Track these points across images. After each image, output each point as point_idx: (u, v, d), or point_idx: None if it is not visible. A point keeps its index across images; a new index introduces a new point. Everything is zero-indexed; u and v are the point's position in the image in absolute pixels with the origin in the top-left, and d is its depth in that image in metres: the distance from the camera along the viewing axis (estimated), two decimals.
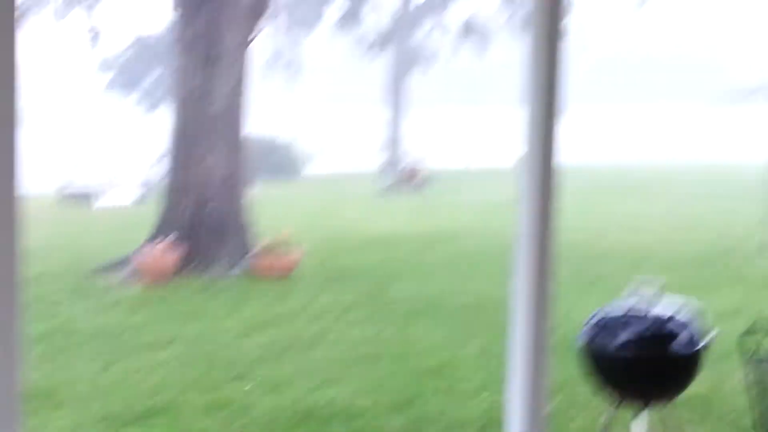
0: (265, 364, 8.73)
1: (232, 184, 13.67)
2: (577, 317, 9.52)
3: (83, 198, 24.99)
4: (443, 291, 12.04)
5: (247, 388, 7.94)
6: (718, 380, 7.75)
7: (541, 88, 3.63)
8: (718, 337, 8.64)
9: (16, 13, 2.50)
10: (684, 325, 6.09)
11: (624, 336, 6.01)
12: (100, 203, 25.12)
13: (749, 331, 4.64)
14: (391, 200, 26.33)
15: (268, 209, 16.77)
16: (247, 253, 13.28)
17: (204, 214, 13.38)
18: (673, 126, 67.55)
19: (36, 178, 19.84)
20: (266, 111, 30.17)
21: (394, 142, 38.24)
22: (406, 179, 30.01)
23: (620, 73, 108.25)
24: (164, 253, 12.78)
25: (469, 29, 40.05)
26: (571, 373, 7.89)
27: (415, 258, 14.90)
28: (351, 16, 38.73)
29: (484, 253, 15.16)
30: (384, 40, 38.76)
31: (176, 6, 13.78)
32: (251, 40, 13.70)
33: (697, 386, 7.04)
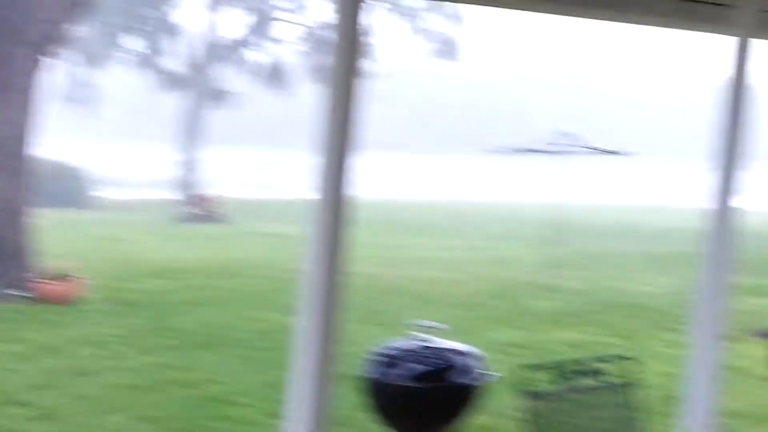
0: (44, 391, 8.41)
1: (13, 209, 13.24)
2: (361, 349, 9.68)
3: None
4: (231, 320, 11.93)
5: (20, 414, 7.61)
6: (501, 410, 7.95)
7: (335, 130, 3.67)
8: (501, 370, 8.91)
9: None
10: (466, 358, 6.25)
11: (408, 368, 6.11)
12: None
13: (528, 366, 4.78)
14: (182, 230, 25.94)
15: (55, 235, 16.24)
16: (27, 277, 12.81)
17: None
18: (470, 171, 69.63)
19: None
20: (58, 140, 29.38)
21: (188, 173, 37.84)
22: (200, 210, 29.63)
23: (434, 121, 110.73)
24: None
25: (270, 72, 40.35)
26: (355, 404, 7.97)
27: (204, 287, 14.71)
28: (151, 52, 38.36)
29: (274, 284, 15.14)
30: (183, 77, 38.51)
31: None
32: (42, 69, 13.37)
33: (481, 417, 7.25)
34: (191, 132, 38.25)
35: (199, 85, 38.17)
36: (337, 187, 3.74)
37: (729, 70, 4.75)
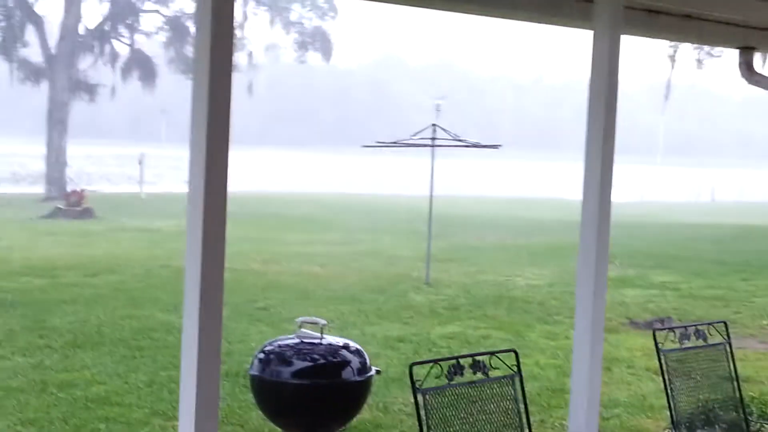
0: None
1: None
2: (248, 346, 9.59)
3: None
4: (107, 318, 11.67)
5: None
6: (386, 404, 7.96)
7: (207, 124, 3.60)
8: (384, 364, 8.92)
9: None
10: (353, 354, 6.24)
11: (295, 365, 6.07)
12: None
13: (413, 360, 4.79)
14: (52, 226, 25.31)
15: None
16: None
17: None
18: (346, 164, 69.67)
19: None
20: None
21: (55, 168, 36.94)
22: (69, 205, 28.93)
23: (307, 114, 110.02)
24: None
25: (136, 63, 39.73)
26: (243, 402, 7.89)
27: (78, 285, 14.35)
28: (11, 42, 37.32)
29: (148, 281, 14.91)
30: (46, 68, 37.58)
31: None
32: None
33: (366, 411, 7.25)
34: (56, 125, 37.29)
35: (63, 77, 37.26)
36: (212, 182, 3.66)
37: (597, 64, 4.83)
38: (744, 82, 6.66)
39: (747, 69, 6.55)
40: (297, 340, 6.22)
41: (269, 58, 51.54)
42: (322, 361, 6.15)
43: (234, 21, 3.76)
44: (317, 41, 43.74)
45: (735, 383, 6.03)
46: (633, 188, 54.71)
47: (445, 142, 16.26)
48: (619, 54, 4.83)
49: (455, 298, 14.20)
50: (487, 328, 11.94)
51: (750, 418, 6.21)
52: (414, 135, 16.17)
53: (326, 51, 44.46)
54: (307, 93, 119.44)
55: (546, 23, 5.76)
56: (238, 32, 38.91)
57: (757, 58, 6.80)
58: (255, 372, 6.16)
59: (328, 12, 43.39)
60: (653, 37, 6.52)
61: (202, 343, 3.71)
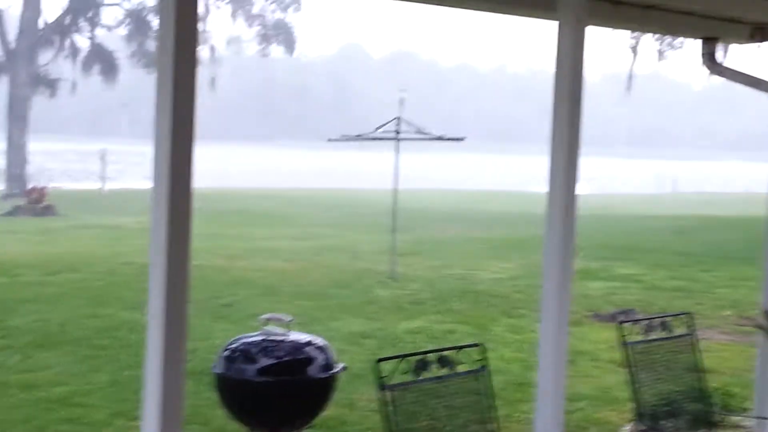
0: None
1: None
2: (213, 343, 9.52)
3: None
4: (69, 318, 11.56)
5: None
6: (352, 401, 7.94)
7: (170, 119, 3.56)
8: (349, 360, 8.89)
9: None
10: (318, 350, 6.20)
11: (260, 363, 6.03)
12: None
13: (378, 356, 4.77)
14: (12, 223, 25.05)
15: None
16: None
17: None
18: (309, 159, 69.50)
19: None
20: None
21: (15, 164, 36.55)
22: (29, 202, 28.63)
23: (270, 108, 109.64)
24: None
25: (97, 57, 39.38)
26: (207, 400, 7.83)
27: (39, 284, 14.21)
28: None
29: (111, 278, 14.80)
30: (5, 63, 37.15)
31: None
32: None
33: (332, 408, 7.22)
34: (16, 121, 36.86)
35: (22, 72, 36.83)
36: (178, 177, 3.61)
37: (561, 56, 4.82)
38: (707, 72, 6.68)
39: (710, 59, 6.57)
40: (261, 337, 6.17)
41: (231, 52, 51.30)
42: (286, 358, 6.10)
43: (198, 13, 3.71)
44: (280, 34, 43.56)
45: (699, 374, 6.06)
46: (595, 180, 55.00)
47: (409, 136, 16.27)
48: (584, 45, 4.82)
49: (420, 292, 14.20)
50: (452, 322, 11.95)
51: (713, 409, 6.25)
52: (378, 128, 16.16)
53: (289, 44, 44.29)
54: (270, 87, 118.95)
55: (510, 14, 5.75)
56: (200, 26, 38.72)
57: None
58: (219, 370, 6.11)
59: (291, 4, 43.22)
60: (617, 28, 6.55)
61: (168, 342, 3.67)
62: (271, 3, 42.95)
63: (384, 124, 16.08)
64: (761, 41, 6.66)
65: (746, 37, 6.62)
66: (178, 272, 3.68)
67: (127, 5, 40.23)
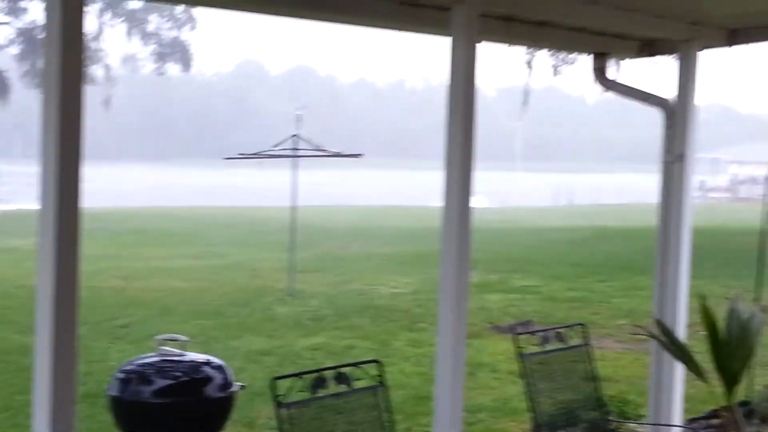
0: None
1: None
2: (109, 365, 9.34)
3: None
4: None
5: None
6: (251, 419, 7.87)
7: (58, 138, 3.49)
8: (248, 378, 8.80)
9: None
10: (215, 370, 6.13)
11: (156, 384, 5.93)
12: None
13: (277, 374, 4.73)
14: None
15: None
16: None
17: None
18: (205, 177, 68.95)
19: None
20: None
21: None
22: None
23: (164, 127, 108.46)
24: None
25: None
26: (103, 423, 7.67)
27: None
28: None
29: (5, 302, 14.45)
30: None
31: None
32: None
33: (230, 428, 7.13)
34: None
35: None
36: (65, 197, 3.54)
37: (455, 72, 4.87)
38: (598, 87, 6.81)
39: (600, 74, 6.71)
40: (157, 358, 6.07)
41: (127, 70, 50.60)
42: (183, 378, 6.02)
43: (84, 29, 3.64)
44: (176, 52, 43.13)
45: (594, 383, 6.15)
46: (493, 194, 55.63)
47: (306, 153, 16.23)
48: (476, 61, 4.87)
49: (320, 308, 14.17)
50: (352, 338, 11.94)
51: (609, 417, 6.34)
52: (275, 146, 16.08)
53: (185, 62, 43.86)
54: (168, 105, 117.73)
55: (404, 31, 5.79)
56: (94, 44, 38.08)
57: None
58: (114, 392, 5.99)
59: (187, 22, 42.82)
60: (510, 44, 6.64)
61: (57, 365, 3.59)
62: (167, 21, 42.52)
63: (281, 142, 16.02)
64: (650, 56, 6.82)
65: (635, 52, 6.78)
66: (67, 294, 3.60)
67: (19, 24, 39.41)
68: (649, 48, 6.74)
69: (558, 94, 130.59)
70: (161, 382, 5.93)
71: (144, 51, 43.76)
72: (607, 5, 5.66)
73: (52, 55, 3.51)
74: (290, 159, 16.22)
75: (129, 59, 47.29)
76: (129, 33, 41.86)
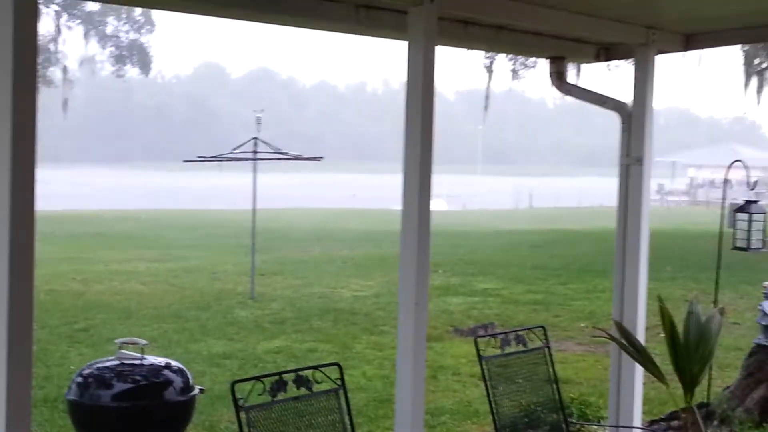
0: None
1: None
2: (68, 369, 9.27)
3: None
4: None
5: None
6: (212, 423, 7.82)
7: (12, 140, 3.44)
8: (209, 382, 8.76)
9: None
10: (175, 373, 6.09)
11: (115, 388, 5.88)
12: None
13: (237, 378, 4.71)
14: None
15: None
16: None
17: None
18: (167, 180, 68.55)
19: None
20: None
21: None
22: None
23: (122, 129, 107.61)
24: None
25: None
26: (63, 427, 7.60)
27: None
28: None
29: None
30: None
31: None
32: None
33: (192, 430, 7.10)
34: None
35: None
36: (19, 201, 3.49)
37: (412, 76, 4.87)
38: (556, 91, 6.84)
39: (558, 78, 6.73)
40: (116, 362, 6.02)
41: (85, 73, 50.21)
42: (143, 382, 5.97)
43: (37, 29, 3.59)
44: (135, 55, 42.85)
45: (555, 385, 6.17)
46: (455, 197, 55.78)
47: (267, 156, 16.18)
48: (435, 65, 4.86)
49: (281, 312, 14.12)
50: (313, 341, 11.91)
51: (570, 419, 6.37)
52: (235, 149, 16.02)
53: (144, 64, 43.58)
54: (126, 108, 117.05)
55: (362, 34, 5.77)
56: (51, 46, 37.70)
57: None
58: (73, 397, 5.93)
59: (145, 25, 42.58)
60: (468, 48, 6.66)
61: (11, 369, 3.53)
62: (125, 23, 42.24)
63: (241, 145, 15.96)
64: (606, 60, 6.87)
65: (592, 57, 6.81)
66: (21, 297, 3.55)
67: None
68: (606, 52, 6.78)
69: (519, 97, 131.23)
70: (120, 386, 5.88)
71: (102, 54, 43.44)
72: (564, 9, 5.68)
73: (4, 55, 3.46)
74: (251, 162, 16.15)
75: (87, 61, 46.91)
76: (87, 35, 41.52)
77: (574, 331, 12.90)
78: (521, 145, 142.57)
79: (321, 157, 17.31)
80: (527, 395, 6.13)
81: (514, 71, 33.66)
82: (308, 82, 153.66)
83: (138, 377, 5.97)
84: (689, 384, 4.73)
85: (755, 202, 7.80)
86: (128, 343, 6.15)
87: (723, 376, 9.45)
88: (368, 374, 9.88)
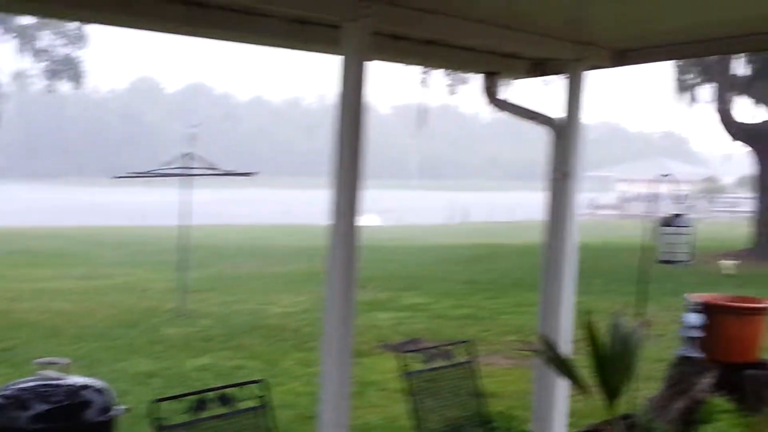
0: None
1: None
2: None
3: None
4: None
5: None
6: None
7: None
8: (133, 401, 8.63)
9: None
10: (96, 393, 5.99)
11: (34, 409, 5.76)
12: None
13: (160, 397, 4.64)
14: None
15: None
16: None
17: None
18: (95, 196, 67.75)
19: None
20: None
21: None
22: None
23: (54, 144, 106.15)
24: None
25: None
26: None
27: None
28: None
29: None
30: None
31: None
32: None
33: None
34: None
35: None
36: None
37: (345, 90, 4.85)
38: (488, 106, 6.86)
39: (490, 94, 6.75)
40: (36, 383, 5.90)
41: (17, 87, 49.47)
42: (63, 402, 5.86)
43: None
44: (68, 69, 42.32)
45: (481, 399, 6.18)
46: (389, 212, 55.84)
47: (199, 171, 16.05)
48: (367, 79, 4.84)
49: (210, 328, 14.00)
50: (241, 358, 11.82)
51: None
52: (166, 164, 15.87)
53: (77, 79, 43.05)
54: (58, 123, 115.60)
55: (295, 49, 5.74)
56: None
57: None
58: None
59: (78, 39, 42.10)
60: (401, 63, 6.65)
61: None
62: (59, 37, 41.71)
63: (172, 160, 15.81)
64: (540, 76, 6.90)
65: (525, 73, 6.84)
66: None
67: None
68: (540, 68, 6.81)
69: (453, 112, 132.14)
70: (38, 407, 5.77)
71: (36, 68, 42.84)
72: (497, 25, 5.69)
73: None
74: (182, 178, 16.01)
75: (19, 75, 46.23)
76: (21, 49, 40.94)
77: (502, 345, 12.95)
78: (456, 160, 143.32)
79: (254, 173, 17.22)
80: (452, 410, 6.15)
81: (450, 86, 33.85)
82: (243, 97, 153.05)
83: (58, 398, 5.86)
84: (612, 395, 4.76)
85: (681, 215, 7.91)
86: (49, 363, 6.03)
87: (646, 387, 9.53)
88: (296, 391, 9.83)
